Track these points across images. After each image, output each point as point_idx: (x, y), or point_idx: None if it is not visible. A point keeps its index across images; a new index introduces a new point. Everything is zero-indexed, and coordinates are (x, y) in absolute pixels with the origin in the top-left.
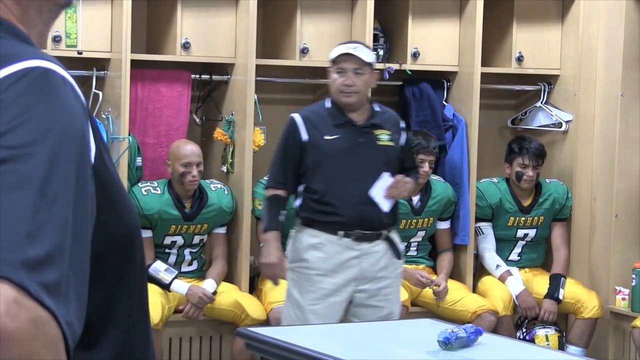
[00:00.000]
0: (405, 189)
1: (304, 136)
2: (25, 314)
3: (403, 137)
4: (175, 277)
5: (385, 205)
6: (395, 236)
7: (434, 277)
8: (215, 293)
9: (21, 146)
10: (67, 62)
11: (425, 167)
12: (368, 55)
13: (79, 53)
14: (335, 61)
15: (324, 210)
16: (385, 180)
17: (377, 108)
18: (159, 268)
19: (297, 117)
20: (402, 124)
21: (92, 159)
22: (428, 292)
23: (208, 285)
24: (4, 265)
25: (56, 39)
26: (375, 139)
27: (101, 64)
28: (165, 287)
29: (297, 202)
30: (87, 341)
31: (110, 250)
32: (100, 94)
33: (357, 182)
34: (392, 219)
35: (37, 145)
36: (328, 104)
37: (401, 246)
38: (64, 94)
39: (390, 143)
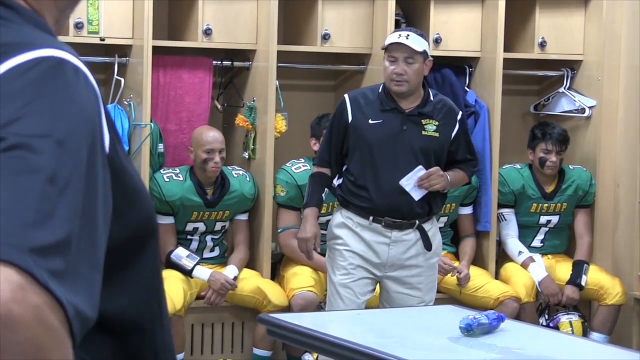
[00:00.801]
0: (439, 182)
1: (349, 117)
2: (31, 299)
3: (456, 129)
4: (197, 264)
5: (416, 195)
6: (430, 226)
7: (456, 264)
8: (236, 279)
9: (30, 134)
10: (89, 49)
11: None
12: (420, 44)
13: (101, 40)
14: (387, 49)
15: (358, 194)
16: (418, 171)
17: (432, 97)
18: (181, 254)
19: (346, 97)
20: (459, 115)
21: (107, 149)
22: (450, 278)
23: (230, 271)
24: (11, 250)
25: (78, 26)
26: (421, 129)
27: (123, 50)
28: (187, 273)
29: (338, 182)
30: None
31: (126, 240)
32: (122, 80)
33: (393, 169)
34: (426, 209)
35: (47, 134)
36: (381, 88)
37: (437, 237)
38: (75, 84)
39: (435, 134)
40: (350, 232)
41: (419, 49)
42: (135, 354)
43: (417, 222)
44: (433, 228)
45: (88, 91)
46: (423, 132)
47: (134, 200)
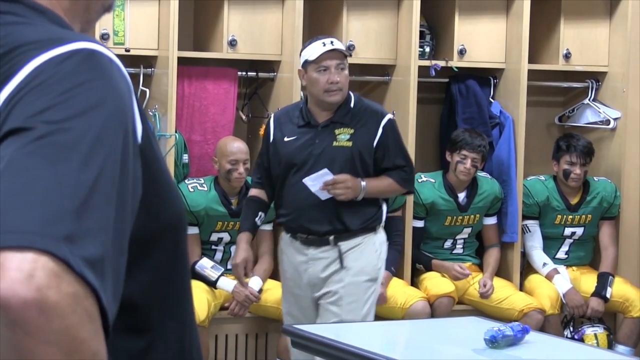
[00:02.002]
0: (344, 192)
1: (271, 137)
2: (66, 287)
3: (379, 135)
4: (222, 275)
5: (322, 195)
6: (353, 244)
7: (479, 276)
8: (261, 291)
9: (64, 120)
10: None
11: (467, 163)
12: (344, 48)
13: (127, 50)
14: (315, 60)
15: (279, 212)
16: (325, 175)
17: (352, 103)
18: (205, 265)
19: (272, 117)
20: (385, 121)
21: (139, 139)
22: (473, 290)
23: (254, 282)
24: (46, 239)
25: (104, 37)
26: (332, 140)
27: (148, 61)
28: (212, 284)
29: None
30: (134, 325)
31: (158, 234)
32: (148, 91)
33: (303, 185)
34: (339, 226)
35: (82, 119)
36: (302, 103)
37: (368, 256)
38: (110, 72)
39: (347, 143)
40: (284, 255)
41: (347, 53)
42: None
43: (331, 238)
44: (361, 245)
45: (122, 81)
46: (334, 143)
47: (164, 194)
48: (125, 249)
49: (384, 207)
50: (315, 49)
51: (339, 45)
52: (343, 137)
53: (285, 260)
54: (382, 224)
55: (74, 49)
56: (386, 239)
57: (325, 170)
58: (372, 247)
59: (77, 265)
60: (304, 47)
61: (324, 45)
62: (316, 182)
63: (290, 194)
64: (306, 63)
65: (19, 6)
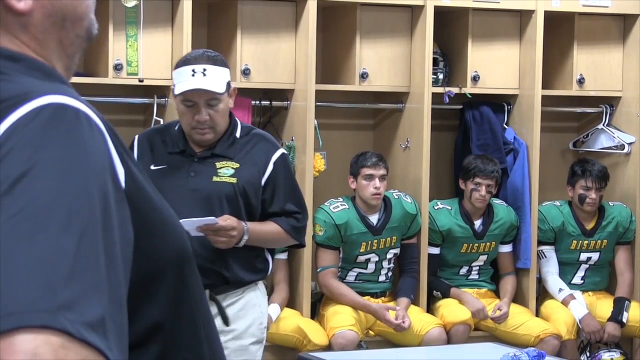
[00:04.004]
0: (223, 242)
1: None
2: (73, 356)
3: (269, 172)
4: None
5: (193, 232)
6: (235, 298)
7: (495, 301)
8: (278, 318)
9: (36, 189)
10: (129, 90)
11: (482, 190)
12: (221, 79)
13: (140, 81)
14: (177, 95)
15: None
16: (209, 221)
17: (238, 132)
18: None
19: (135, 138)
20: (277, 156)
21: (123, 184)
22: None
23: (272, 310)
24: (41, 314)
25: (117, 67)
26: (213, 174)
27: (162, 91)
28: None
29: None
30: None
31: (160, 271)
32: (161, 121)
33: None
34: (219, 277)
35: (53, 184)
36: (178, 125)
37: (252, 314)
38: (77, 126)
39: (232, 179)
40: None
41: (222, 88)
42: None
43: (209, 292)
44: (242, 301)
45: (92, 131)
46: (214, 178)
47: (161, 231)
48: (123, 300)
49: (269, 258)
50: (183, 78)
51: (212, 76)
52: (226, 171)
53: None
54: (267, 275)
55: (39, 106)
56: (266, 293)
57: (212, 218)
58: (256, 302)
59: (77, 332)
60: (176, 65)
61: (193, 74)
62: (194, 225)
63: None
64: (174, 87)
65: None
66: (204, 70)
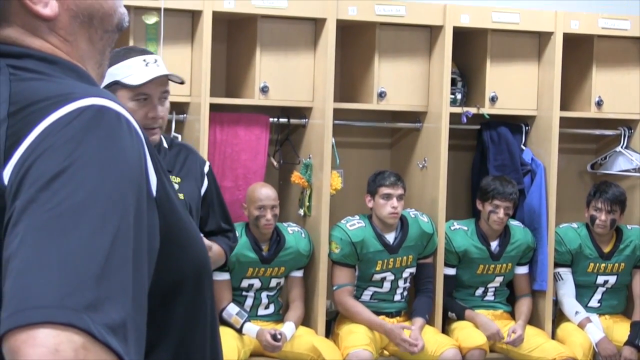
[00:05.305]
0: None
1: None
2: (93, 357)
3: (206, 185)
4: (246, 321)
5: None
6: None
7: (511, 323)
8: (293, 336)
9: (73, 186)
10: None
11: (500, 213)
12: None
13: None
14: (135, 86)
15: None
16: None
17: (165, 143)
18: (231, 312)
19: None
20: (207, 167)
21: (154, 192)
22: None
23: (287, 328)
24: (67, 311)
25: None
26: None
27: (181, 107)
28: (238, 330)
29: None
30: None
31: (179, 285)
32: (180, 137)
33: None
34: None
35: (91, 182)
36: None
37: None
38: (118, 130)
39: (180, 196)
40: None
41: (179, 80)
42: None
43: None
44: None
45: (132, 136)
46: None
47: (184, 243)
48: (145, 306)
49: None
50: (136, 69)
51: (163, 65)
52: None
53: None
54: None
55: (82, 107)
56: None
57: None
58: None
59: (100, 335)
60: (115, 59)
61: (147, 64)
62: None
63: None
64: (117, 85)
65: (31, 61)
66: (156, 60)
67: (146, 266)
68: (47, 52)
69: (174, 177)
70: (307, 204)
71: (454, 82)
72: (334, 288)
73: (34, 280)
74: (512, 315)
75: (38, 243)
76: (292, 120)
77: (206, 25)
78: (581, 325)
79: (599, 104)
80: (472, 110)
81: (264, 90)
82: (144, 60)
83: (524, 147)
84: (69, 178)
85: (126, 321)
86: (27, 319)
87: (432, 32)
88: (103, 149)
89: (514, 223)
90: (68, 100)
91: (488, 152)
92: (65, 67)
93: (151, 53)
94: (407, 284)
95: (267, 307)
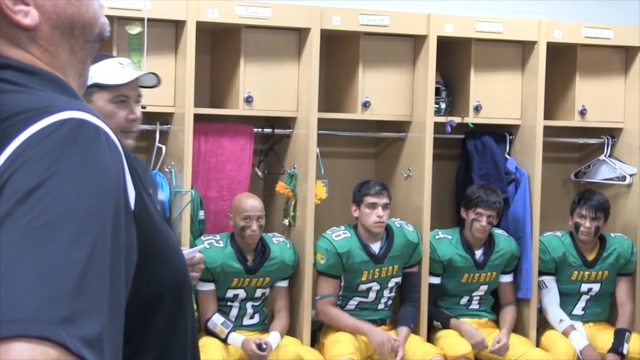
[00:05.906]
0: (199, 277)
1: None
2: None
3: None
4: (231, 331)
5: None
6: None
7: (496, 332)
8: (278, 346)
9: (51, 199)
10: None
11: (483, 221)
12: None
13: (143, 107)
14: (114, 87)
15: None
16: (193, 252)
17: None
18: (216, 322)
19: None
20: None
21: (133, 205)
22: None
23: (273, 338)
24: (41, 325)
25: None
26: None
27: (165, 118)
28: (223, 340)
29: None
30: None
31: (159, 298)
32: (164, 147)
33: None
34: None
35: (69, 196)
36: None
37: None
38: (96, 143)
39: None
40: None
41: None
42: None
43: None
44: None
45: (110, 150)
46: None
47: (164, 256)
48: (122, 320)
49: None
50: (114, 70)
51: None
52: None
53: None
54: None
55: (61, 120)
56: None
57: (195, 249)
58: None
59: (75, 348)
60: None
61: (122, 66)
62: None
63: None
64: (95, 87)
65: (10, 72)
66: (129, 63)
67: (123, 280)
68: (27, 62)
69: None
70: (292, 214)
71: (438, 92)
72: (317, 298)
73: (9, 294)
74: (497, 323)
75: (14, 256)
76: (277, 130)
77: (190, 36)
78: (565, 333)
79: (583, 112)
80: (457, 119)
81: (249, 100)
82: (120, 63)
83: (508, 156)
84: (46, 191)
85: (102, 335)
86: (1, 333)
87: (416, 41)
88: (81, 163)
89: (498, 232)
90: (47, 113)
91: (472, 161)
92: (45, 79)
93: (118, 57)
94: (392, 294)
95: (252, 317)
